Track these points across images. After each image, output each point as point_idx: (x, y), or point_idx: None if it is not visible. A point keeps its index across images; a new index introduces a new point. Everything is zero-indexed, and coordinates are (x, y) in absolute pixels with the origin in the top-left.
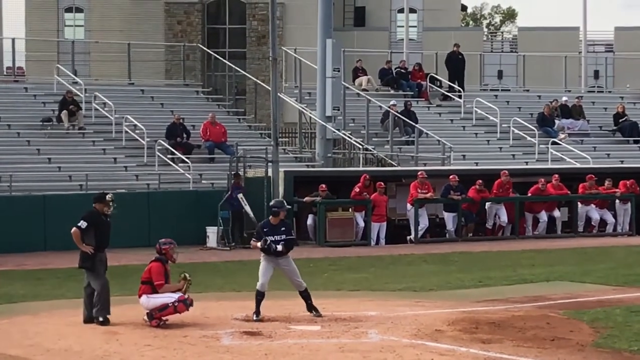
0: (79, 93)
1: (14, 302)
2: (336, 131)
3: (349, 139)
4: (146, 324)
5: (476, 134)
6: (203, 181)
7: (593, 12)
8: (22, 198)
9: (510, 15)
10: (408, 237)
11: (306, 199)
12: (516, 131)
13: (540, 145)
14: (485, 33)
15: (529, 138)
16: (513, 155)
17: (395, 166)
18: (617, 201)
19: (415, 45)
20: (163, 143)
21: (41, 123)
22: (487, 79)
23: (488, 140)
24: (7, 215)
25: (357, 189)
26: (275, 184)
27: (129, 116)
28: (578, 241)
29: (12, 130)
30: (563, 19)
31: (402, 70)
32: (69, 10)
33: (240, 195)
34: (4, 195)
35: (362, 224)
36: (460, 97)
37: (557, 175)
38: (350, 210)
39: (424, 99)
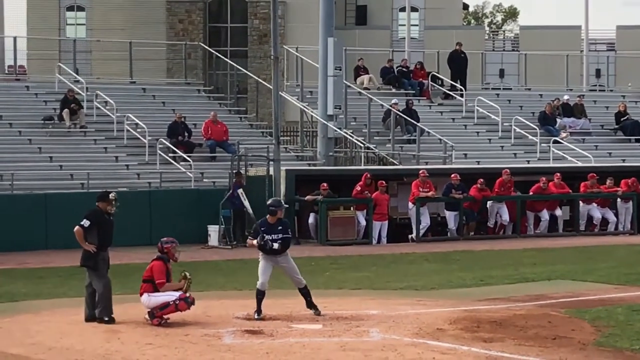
0: (80, 92)
1: (15, 301)
2: (338, 130)
3: (351, 138)
4: (147, 323)
5: (478, 132)
6: (204, 180)
7: (595, 11)
8: (23, 196)
9: (511, 13)
10: (409, 236)
11: (308, 197)
12: (518, 130)
13: (542, 144)
14: (487, 32)
15: (530, 137)
16: (515, 153)
17: (396, 165)
18: (618, 200)
19: (416, 44)
20: (164, 142)
21: (43, 121)
22: (489, 78)
23: (490, 139)
24: (8, 214)
25: (358, 188)
26: (276, 182)
27: (130, 115)
28: (580, 240)
29: (13, 129)
30: (565, 18)
31: (404, 69)
32: (70, 8)
33: (240, 191)
34: (5, 193)
35: (363, 222)
36: (461, 95)
37: (559, 174)
38: (351, 209)
39: (425, 98)
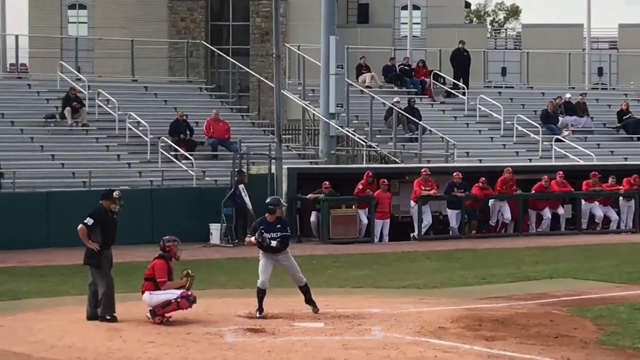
0: (82, 90)
1: (17, 299)
2: (339, 128)
3: (353, 136)
4: (149, 321)
5: (480, 131)
6: (206, 178)
7: (597, 9)
8: (25, 195)
9: (514, 12)
10: (411, 234)
11: (309, 196)
12: (520, 128)
13: (544, 143)
14: (489, 30)
15: (532, 135)
16: (517, 152)
17: (398, 163)
18: (620, 198)
19: (418, 42)
20: (166, 140)
21: (44, 120)
22: (491, 76)
23: (492, 137)
24: (10, 212)
25: (360, 186)
26: (278, 181)
27: (132, 113)
28: (582, 238)
29: (15, 127)
30: (567, 16)
31: (406, 67)
32: (72, 7)
33: (241, 186)
34: (7, 192)
35: (365, 221)
36: (464, 94)
37: (561, 172)
38: (353, 207)
39: (427, 96)
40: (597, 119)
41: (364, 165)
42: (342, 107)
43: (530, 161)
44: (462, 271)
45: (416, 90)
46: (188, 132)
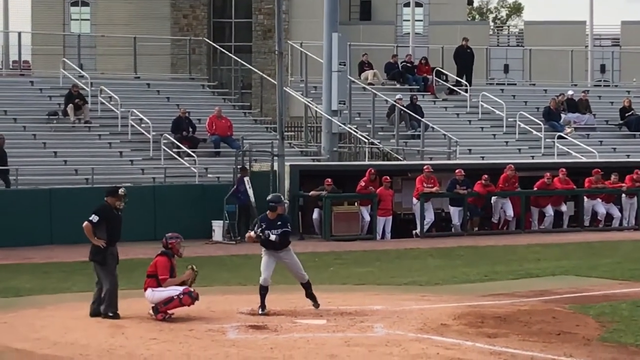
0: (84, 87)
1: (20, 296)
2: (342, 125)
3: (355, 133)
4: (152, 318)
5: (482, 128)
6: (209, 175)
7: (599, 6)
8: (28, 192)
9: (516, 9)
10: (414, 232)
11: (312, 193)
12: (522, 125)
13: (547, 140)
14: (492, 27)
15: (535, 132)
16: (519, 149)
17: (401, 160)
18: (623, 195)
19: (421, 40)
20: (169, 137)
21: (47, 117)
22: (493, 73)
23: (494, 135)
24: (13, 209)
25: (362, 183)
26: (280, 178)
27: (134, 110)
28: (584, 235)
29: (18, 124)
30: (569, 13)
31: (408, 64)
32: (75, 4)
33: (246, 179)
34: (10, 188)
35: (367, 218)
36: (466, 91)
37: (563, 170)
38: (355, 204)
39: (430, 93)
40: (600, 116)
41: (367, 163)
42: (344, 104)
43: (533, 158)
44: (465, 268)
45: (418, 87)
46: (190, 129)
